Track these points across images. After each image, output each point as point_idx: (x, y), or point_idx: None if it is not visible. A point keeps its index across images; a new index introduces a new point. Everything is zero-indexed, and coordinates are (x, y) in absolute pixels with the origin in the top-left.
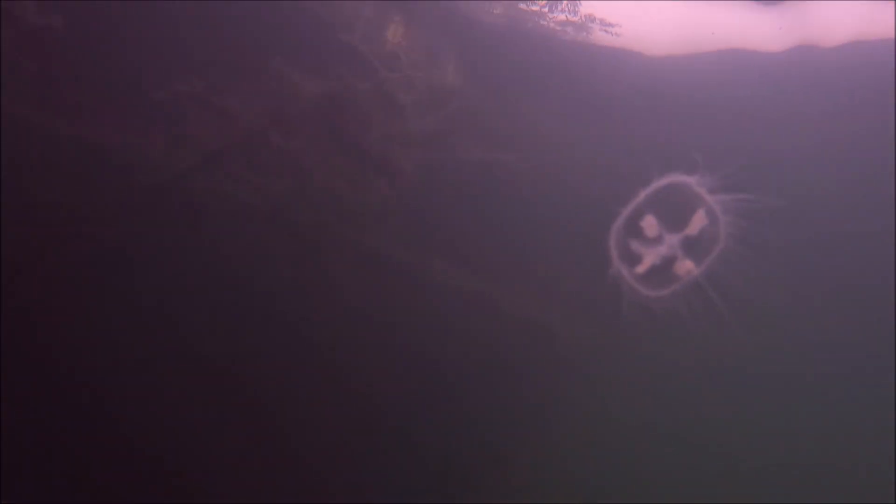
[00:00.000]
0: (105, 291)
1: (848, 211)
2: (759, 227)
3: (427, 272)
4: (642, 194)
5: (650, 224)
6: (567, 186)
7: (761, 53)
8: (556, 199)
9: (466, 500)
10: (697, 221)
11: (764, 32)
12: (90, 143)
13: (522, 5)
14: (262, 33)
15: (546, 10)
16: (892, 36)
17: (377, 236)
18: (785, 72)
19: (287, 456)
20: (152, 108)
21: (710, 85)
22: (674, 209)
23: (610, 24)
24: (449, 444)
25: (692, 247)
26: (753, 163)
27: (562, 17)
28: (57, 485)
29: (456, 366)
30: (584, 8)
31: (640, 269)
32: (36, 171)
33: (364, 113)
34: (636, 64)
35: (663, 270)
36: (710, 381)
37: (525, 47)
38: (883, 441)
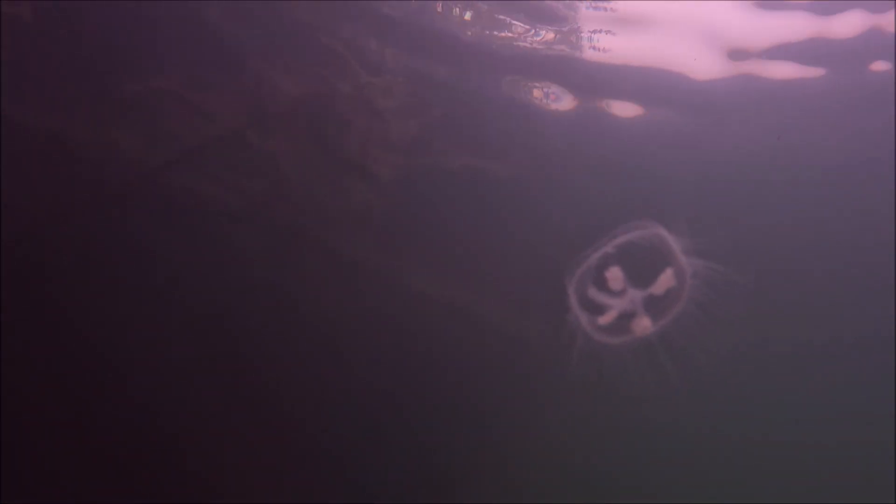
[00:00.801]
0: (77, 288)
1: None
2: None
3: (406, 278)
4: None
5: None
6: (549, 194)
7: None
8: (538, 207)
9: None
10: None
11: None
12: (63, 137)
13: None
14: (243, 32)
15: None
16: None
17: (356, 240)
18: None
19: (284, 458)
20: (128, 103)
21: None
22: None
23: None
24: (427, 447)
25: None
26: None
27: None
28: (57, 485)
29: (433, 370)
30: None
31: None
32: (6, 165)
33: (344, 116)
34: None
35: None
36: (699, 378)
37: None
38: (883, 442)
